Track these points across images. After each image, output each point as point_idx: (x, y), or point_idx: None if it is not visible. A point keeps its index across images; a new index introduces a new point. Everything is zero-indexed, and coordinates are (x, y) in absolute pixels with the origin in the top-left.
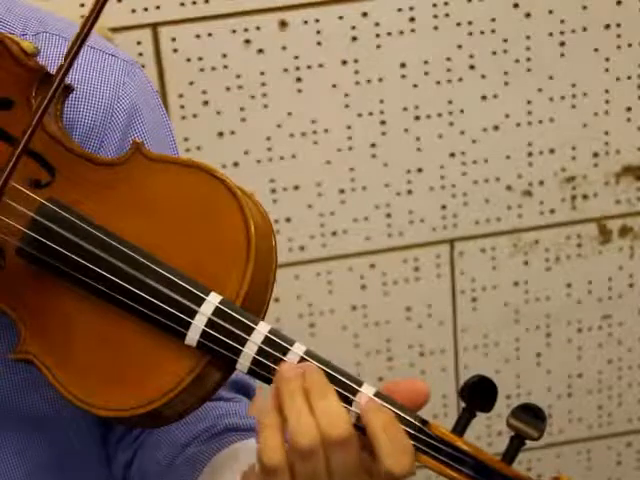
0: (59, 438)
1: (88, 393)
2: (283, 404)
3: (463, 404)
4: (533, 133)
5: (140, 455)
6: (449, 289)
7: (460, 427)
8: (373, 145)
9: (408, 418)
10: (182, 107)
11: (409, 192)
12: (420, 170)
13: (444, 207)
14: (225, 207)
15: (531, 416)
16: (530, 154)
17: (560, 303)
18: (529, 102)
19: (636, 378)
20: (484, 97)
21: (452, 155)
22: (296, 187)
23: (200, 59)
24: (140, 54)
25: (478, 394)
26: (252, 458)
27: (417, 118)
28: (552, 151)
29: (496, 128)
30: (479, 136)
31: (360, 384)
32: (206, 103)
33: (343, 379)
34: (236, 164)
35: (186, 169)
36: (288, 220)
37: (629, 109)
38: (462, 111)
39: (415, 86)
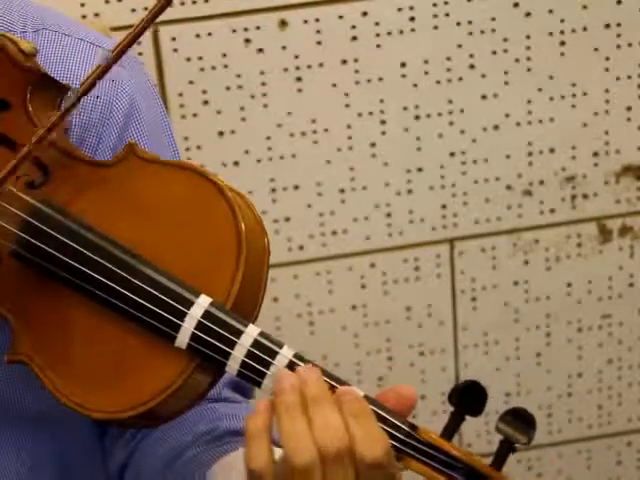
0: (58, 435)
1: (80, 395)
2: (279, 417)
3: (452, 408)
4: (533, 133)
5: (137, 454)
6: (449, 289)
7: (449, 431)
8: (373, 145)
9: (397, 423)
10: (182, 106)
11: (409, 192)
12: (420, 170)
13: (444, 206)
14: (215, 209)
15: (520, 421)
16: (530, 154)
17: (560, 302)
18: (529, 102)
19: (636, 378)
20: (484, 96)
21: (452, 154)
22: (296, 186)
23: (200, 58)
24: (140, 53)
25: (466, 398)
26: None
27: (417, 118)
28: (552, 151)
29: (496, 128)
30: (479, 136)
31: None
32: (206, 102)
33: (332, 382)
34: (236, 163)
35: (178, 170)
36: (288, 219)
37: (629, 109)
38: (462, 110)
39: (415, 86)
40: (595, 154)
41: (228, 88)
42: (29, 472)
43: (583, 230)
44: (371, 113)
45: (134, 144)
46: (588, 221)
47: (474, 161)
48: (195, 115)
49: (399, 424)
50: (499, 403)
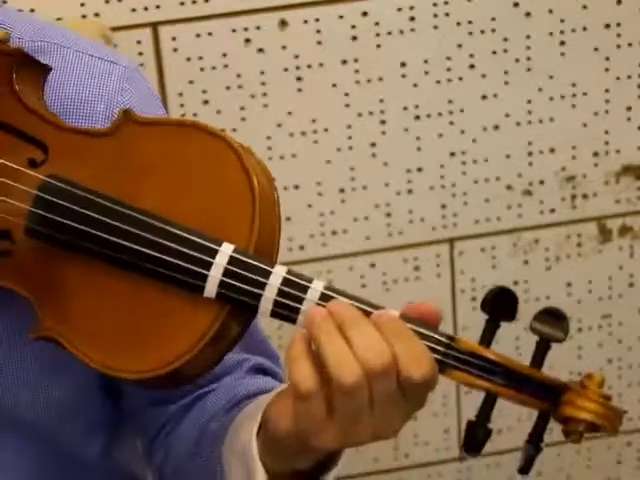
0: (57, 441)
1: (115, 360)
2: (319, 343)
3: (486, 316)
4: (533, 132)
5: (172, 449)
6: (449, 288)
7: (487, 339)
8: (373, 144)
9: (436, 336)
10: (182, 106)
11: (409, 191)
12: (420, 169)
13: (444, 206)
14: (225, 159)
15: (553, 318)
16: (530, 153)
17: (560, 302)
18: (529, 101)
19: (636, 377)
20: (484, 96)
21: (452, 154)
22: (296, 186)
23: (200, 58)
24: (140, 53)
25: (498, 304)
26: (265, 403)
27: (417, 117)
28: (552, 150)
29: (496, 127)
30: (479, 135)
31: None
32: (206, 102)
33: (366, 307)
34: None
35: (179, 128)
36: (288, 219)
37: (629, 108)
38: (462, 110)
39: (415, 85)
40: (595, 154)
41: (228, 88)
42: (30, 477)
43: (583, 230)
44: (371, 113)
45: (128, 110)
46: (588, 221)
47: (474, 161)
48: (195, 115)
49: (438, 337)
50: (500, 401)
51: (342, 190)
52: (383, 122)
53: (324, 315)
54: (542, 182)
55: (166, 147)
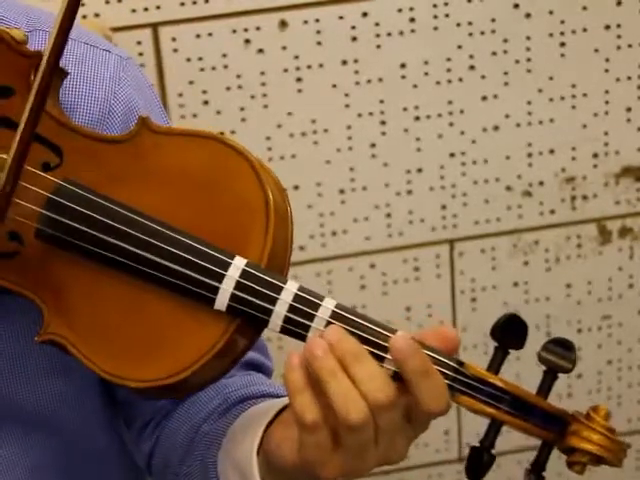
0: (60, 436)
1: (119, 367)
2: (324, 383)
3: (495, 343)
4: (533, 133)
5: (160, 443)
6: (449, 289)
7: (495, 366)
8: (373, 145)
9: (445, 360)
10: (182, 106)
11: (409, 192)
12: (420, 170)
13: (444, 207)
14: (240, 172)
15: (562, 349)
16: (530, 154)
17: (560, 303)
18: (529, 102)
19: (636, 378)
20: (484, 97)
21: (452, 155)
22: (296, 187)
23: (200, 59)
24: (140, 54)
25: (508, 332)
26: (264, 419)
27: (417, 118)
28: (552, 151)
29: (496, 128)
30: (479, 136)
31: (394, 331)
32: (206, 103)
33: (376, 328)
34: None
35: (196, 138)
36: None
37: (629, 110)
38: (462, 111)
39: (415, 86)
40: (595, 155)
41: (228, 88)
42: (33, 471)
43: (583, 231)
44: (371, 114)
45: (146, 118)
46: (588, 222)
47: (474, 162)
48: (195, 115)
49: (447, 361)
50: None
51: (342, 191)
52: (383, 123)
53: (325, 349)
54: (542, 183)
55: (181, 158)
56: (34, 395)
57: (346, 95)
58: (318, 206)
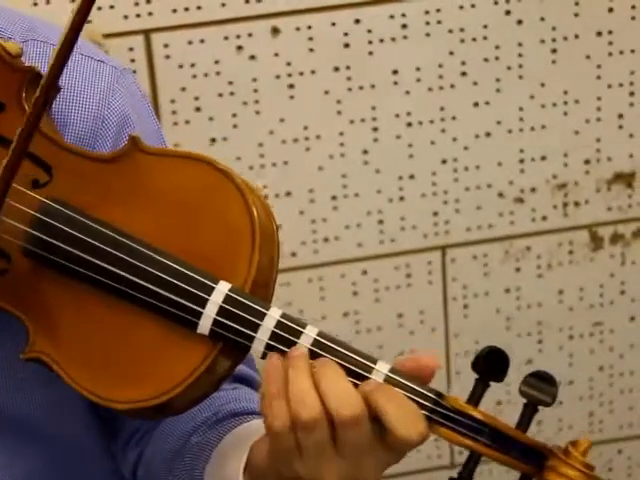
0: (54, 443)
1: (103, 387)
2: (288, 378)
3: (476, 375)
4: (525, 140)
5: (147, 451)
6: (441, 296)
7: (475, 398)
8: (365, 152)
9: (424, 392)
10: (174, 113)
11: (401, 199)
12: (412, 177)
13: (436, 214)
14: (226, 195)
15: (543, 383)
16: (522, 161)
17: (552, 310)
18: (521, 109)
19: (627, 385)
20: (476, 104)
21: (444, 162)
22: (288, 193)
23: (192, 65)
24: (132, 60)
25: (490, 365)
26: (254, 439)
27: (409, 125)
28: (544, 158)
29: (488, 135)
30: (471, 143)
31: (375, 362)
32: (198, 109)
33: (357, 357)
34: None
35: (183, 160)
36: (280, 226)
37: (621, 116)
38: (454, 118)
39: (407, 93)
40: (587, 161)
41: (220, 95)
42: (27, 478)
43: (575, 237)
44: (363, 120)
45: (137, 137)
46: (580, 228)
47: (466, 168)
48: (187, 122)
49: (427, 393)
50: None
51: (334, 197)
52: (375, 129)
53: (303, 352)
54: (534, 190)
55: (170, 180)
56: (22, 404)
57: (338, 102)
58: (310, 212)
